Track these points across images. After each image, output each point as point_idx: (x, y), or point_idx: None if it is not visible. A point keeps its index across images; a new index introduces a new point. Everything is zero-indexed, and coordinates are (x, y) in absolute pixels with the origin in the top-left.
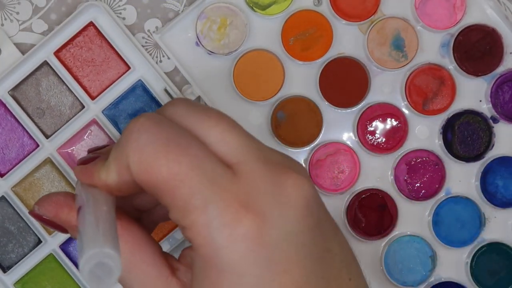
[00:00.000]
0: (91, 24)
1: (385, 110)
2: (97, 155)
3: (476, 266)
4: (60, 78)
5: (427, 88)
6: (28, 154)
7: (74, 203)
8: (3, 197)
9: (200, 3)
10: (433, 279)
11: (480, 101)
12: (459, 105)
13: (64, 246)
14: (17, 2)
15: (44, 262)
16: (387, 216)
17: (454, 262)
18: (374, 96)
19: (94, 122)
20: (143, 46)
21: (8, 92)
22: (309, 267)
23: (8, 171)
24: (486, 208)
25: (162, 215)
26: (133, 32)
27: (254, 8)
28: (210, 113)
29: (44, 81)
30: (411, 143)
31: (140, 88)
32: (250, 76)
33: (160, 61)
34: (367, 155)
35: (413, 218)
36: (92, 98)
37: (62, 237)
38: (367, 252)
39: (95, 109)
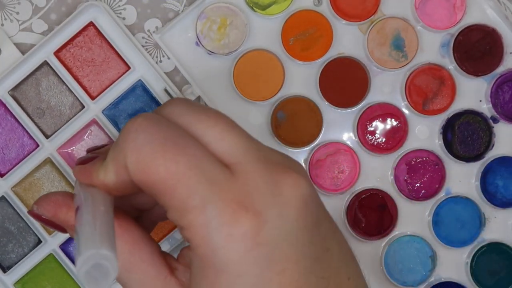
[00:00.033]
0: (91, 24)
1: (385, 110)
2: (96, 155)
3: (476, 266)
4: (60, 78)
5: (427, 88)
6: (28, 154)
7: (73, 203)
8: (3, 197)
9: (200, 3)
10: (433, 279)
11: (480, 101)
12: (459, 105)
13: (64, 246)
14: (17, 2)
15: (44, 262)
16: (387, 216)
17: (454, 262)
18: (374, 96)
19: (94, 122)
20: (143, 46)
21: (8, 92)
22: (308, 266)
23: (8, 171)
24: (486, 208)
25: (161, 214)
26: (133, 32)
27: (254, 8)
28: (208, 112)
29: (44, 81)
30: (411, 143)
31: (140, 88)
32: (250, 76)
33: (160, 61)
34: (367, 155)
35: (413, 218)
36: (92, 98)
37: (62, 237)
38: (367, 252)
39: (95, 109)
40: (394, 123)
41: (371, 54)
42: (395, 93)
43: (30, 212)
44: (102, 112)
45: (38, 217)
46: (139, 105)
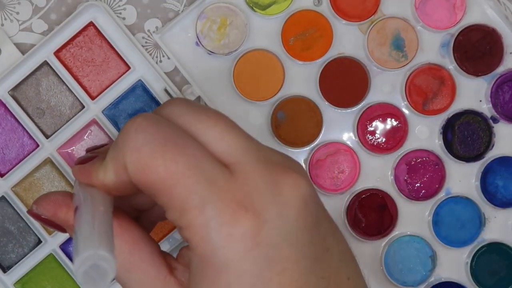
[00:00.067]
0: (91, 24)
1: (385, 110)
2: (95, 154)
3: (476, 266)
4: (60, 78)
5: (427, 88)
6: (28, 154)
7: (72, 202)
8: (3, 197)
9: (200, 3)
10: (433, 279)
11: (480, 101)
12: (459, 105)
13: (64, 246)
14: (17, 2)
15: (44, 262)
16: (387, 216)
17: (454, 262)
18: (374, 96)
19: (94, 122)
20: (143, 46)
21: (8, 92)
22: (308, 266)
23: (8, 171)
24: (486, 208)
25: (160, 214)
26: (133, 32)
27: (254, 8)
28: (208, 112)
29: (44, 81)
30: (411, 143)
31: (140, 88)
32: (250, 76)
33: (160, 61)
34: (367, 155)
35: (413, 218)
36: (92, 98)
37: (62, 237)
38: (367, 252)
39: (95, 109)
40: (394, 123)
41: (371, 54)
42: (395, 93)
43: (30, 211)
44: (102, 112)
45: (37, 217)
46: (139, 105)
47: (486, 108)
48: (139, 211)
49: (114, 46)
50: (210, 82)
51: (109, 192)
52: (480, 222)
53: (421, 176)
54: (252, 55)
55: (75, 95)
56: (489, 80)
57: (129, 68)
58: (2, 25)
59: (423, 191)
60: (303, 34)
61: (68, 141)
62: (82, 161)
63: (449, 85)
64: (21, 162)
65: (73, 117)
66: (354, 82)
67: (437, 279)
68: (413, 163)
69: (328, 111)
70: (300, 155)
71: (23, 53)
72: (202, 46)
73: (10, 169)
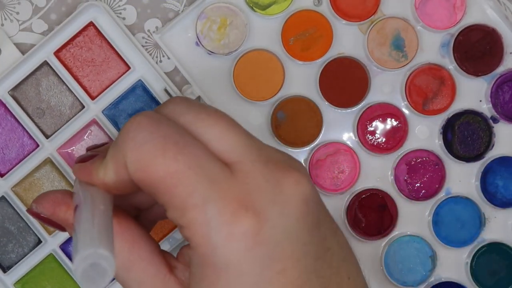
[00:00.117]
0: (91, 24)
1: (385, 110)
2: (96, 153)
3: (476, 266)
4: (60, 78)
5: (427, 88)
6: (28, 154)
7: (72, 201)
8: (3, 197)
9: (200, 3)
10: (433, 279)
11: (480, 101)
12: (459, 105)
13: (64, 246)
14: (17, 2)
15: (44, 262)
16: (387, 216)
17: (454, 262)
18: (374, 96)
19: (94, 122)
20: (143, 46)
21: (8, 92)
22: (309, 266)
23: (8, 171)
24: (486, 208)
25: (160, 213)
26: (133, 32)
27: (254, 8)
28: (209, 111)
29: (44, 81)
30: (411, 143)
31: (140, 88)
32: (250, 76)
33: (160, 61)
34: (367, 155)
35: (413, 218)
36: (92, 98)
37: (62, 237)
38: (367, 252)
39: (95, 109)
40: (394, 123)
41: (371, 54)
42: (395, 93)
43: (29, 210)
44: (102, 112)
45: (37, 216)
46: (139, 105)
47: (486, 108)
48: (138, 210)
49: (114, 46)
50: (210, 82)
51: (109, 190)
52: (480, 222)
53: (421, 176)
54: (252, 55)
55: (75, 95)
56: (489, 80)
57: (129, 68)
58: (2, 25)
59: (423, 191)
60: (303, 34)
61: (68, 141)
62: (83, 159)
63: (449, 85)
64: (21, 162)
65: (73, 117)
66: (354, 82)
67: (437, 279)
68: (413, 163)
69: (328, 111)
70: (300, 155)
71: (23, 53)
72: (202, 46)
73: (10, 169)
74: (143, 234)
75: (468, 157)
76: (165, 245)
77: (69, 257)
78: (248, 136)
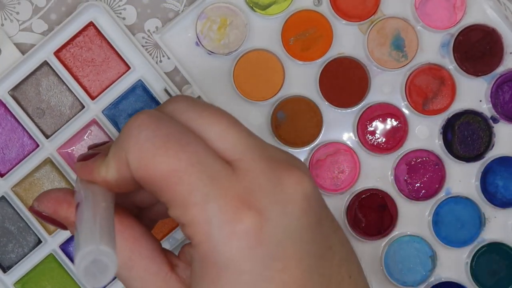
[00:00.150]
0: (91, 24)
1: (385, 110)
2: (97, 151)
3: (476, 266)
4: (60, 78)
5: (427, 88)
6: (28, 154)
7: (74, 199)
8: (3, 197)
9: (200, 3)
10: (433, 279)
11: (480, 101)
12: (459, 105)
13: (64, 246)
14: (17, 2)
15: (44, 262)
16: (387, 216)
17: (454, 262)
18: (374, 96)
19: (94, 122)
20: (143, 46)
21: (8, 92)
22: (311, 264)
23: (8, 171)
24: (486, 208)
25: (161, 212)
26: (133, 32)
27: (254, 8)
28: (211, 110)
29: (44, 81)
30: (411, 143)
31: (140, 88)
32: (250, 76)
33: (160, 61)
34: (367, 155)
35: (413, 218)
36: (92, 98)
37: (62, 237)
38: (367, 252)
39: (95, 109)
40: (394, 123)
41: (371, 54)
42: (395, 93)
43: (31, 208)
44: (102, 112)
45: (38, 214)
46: (139, 105)
47: (486, 108)
48: (140, 208)
49: (114, 46)
50: (210, 82)
51: (110, 189)
52: (480, 222)
53: (421, 176)
54: (252, 55)
55: (75, 95)
56: (489, 80)
57: (129, 68)
58: (2, 25)
59: (423, 191)
60: (303, 34)
61: (68, 141)
62: (84, 158)
63: (449, 85)
64: (21, 162)
65: (73, 117)
66: (354, 82)
67: (437, 279)
68: (413, 163)
69: (328, 111)
70: (300, 155)
71: (23, 53)
72: (202, 46)
73: (10, 169)
74: (145, 232)
75: (468, 157)
76: (165, 245)
77: (69, 257)
78: (249, 134)
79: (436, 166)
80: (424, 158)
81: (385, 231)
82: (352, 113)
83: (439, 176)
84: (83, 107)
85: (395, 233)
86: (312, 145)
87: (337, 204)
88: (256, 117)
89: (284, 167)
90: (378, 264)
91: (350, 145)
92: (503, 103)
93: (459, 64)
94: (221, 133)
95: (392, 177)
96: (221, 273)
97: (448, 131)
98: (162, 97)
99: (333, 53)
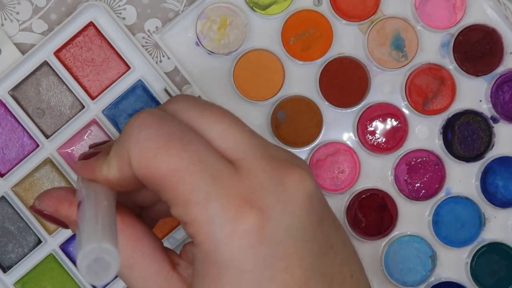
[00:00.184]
0: (91, 24)
1: (385, 110)
2: (98, 150)
3: (476, 266)
4: (60, 78)
5: (427, 88)
6: (28, 154)
7: (75, 198)
8: (3, 197)
9: (200, 3)
10: (433, 279)
11: (480, 101)
12: (459, 105)
13: (64, 246)
14: (17, 2)
15: (44, 262)
16: (387, 216)
17: (454, 262)
18: (374, 96)
19: (94, 122)
20: (143, 46)
21: (8, 92)
22: (312, 263)
23: (8, 171)
24: (486, 208)
25: (162, 211)
26: (133, 32)
27: (254, 8)
28: (212, 109)
29: (44, 81)
30: (411, 143)
31: (140, 88)
32: (250, 76)
33: (160, 61)
34: (367, 155)
35: (413, 218)
36: (92, 98)
37: (62, 237)
38: (367, 252)
39: (95, 109)
40: (394, 123)
41: (371, 54)
42: (395, 93)
43: (32, 207)
44: (102, 112)
45: (39, 213)
46: (139, 105)
47: (486, 108)
48: (141, 207)
49: (114, 46)
50: (210, 82)
51: (112, 187)
52: (480, 222)
53: (421, 176)
54: (252, 55)
55: (75, 95)
56: (489, 80)
57: (129, 68)
58: (2, 25)
59: (423, 191)
60: (303, 34)
61: (68, 141)
62: (85, 156)
63: (449, 85)
64: (21, 162)
65: (73, 117)
66: (354, 82)
67: (437, 279)
68: (413, 163)
69: (328, 111)
70: (300, 155)
71: (23, 53)
72: (202, 46)
73: (10, 169)
74: (146, 231)
75: (468, 157)
76: (165, 245)
77: (69, 257)
78: (251, 133)
79: (436, 166)
80: (424, 158)
81: (385, 231)
82: (352, 113)
83: (439, 176)
84: (83, 107)
85: (395, 233)
86: (312, 145)
87: (337, 204)
88: (256, 117)
89: (286, 166)
90: (378, 264)
91: (350, 145)
92: (503, 103)
93: (459, 64)
94: (223, 132)
95: (392, 177)
96: (223, 272)
97: (448, 131)
98: (162, 97)
99: (333, 53)
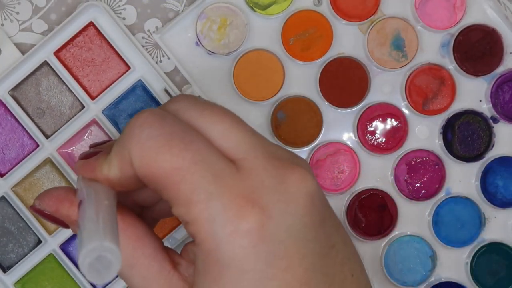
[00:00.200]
0: (91, 24)
1: (385, 110)
2: (99, 149)
3: (476, 266)
4: (60, 78)
5: (427, 88)
6: (28, 154)
7: (75, 197)
8: (3, 197)
9: (200, 3)
10: (433, 279)
11: (480, 101)
12: (459, 105)
13: (64, 246)
14: (17, 2)
15: (44, 262)
16: (387, 216)
17: (454, 262)
18: (374, 96)
19: (94, 122)
20: (143, 46)
21: (8, 92)
22: (314, 263)
23: (8, 171)
24: (486, 208)
25: (163, 211)
26: (133, 32)
27: (254, 8)
28: (214, 108)
29: (44, 81)
30: (411, 143)
31: (140, 88)
32: (250, 76)
33: (160, 61)
34: (367, 155)
35: (413, 218)
36: (92, 98)
37: (62, 237)
38: (367, 252)
39: (95, 109)
40: (394, 123)
41: (371, 54)
42: (395, 93)
43: (32, 207)
44: (102, 112)
45: (40, 212)
46: (139, 105)
47: (486, 108)
48: (141, 207)
49: (114, 46)
50: (210, 82)
51: (113, 187)
52: (480, 222)
53: (421, 176)
54: (252, 55)
55: (75, 95)
56: (489, 80)
57: (129, 68)
58: (2, 25)
59: (423, 191)
60: (303, 34)
61: (68, 141)
62: (86, 156)
63: (449, 85)
64: (21, 162)
65: (73, 117)
66: (354, 82)
67: (437, 279)
68: (413, 163)
69: (328, 111)
70: (300, 155)
71: (23, 53)
72: (202, 46)
73: (10, 169)
74: (147, 231)
75: (468, 157)
76: (165, 245)
77: (69, 257)
78: (253, 133)
79: (436, 166)
80: (424, 158)
81: (385, 231)
82: (352, 113)
83: (439, 176)
84: (83, 107)
85: (395, 233)
86: (312, 145)
87: (337, 204)
88: (256, 117)
89: (288, 165)
90: (378, 264)
91: (350, 145)
92: (503, 103)
93: (459, 64)
94: (224, 132)
95: (392, 177)
96: (224, 271)
97: (448, 131)
98: (162, 97)
99: (333, 53)
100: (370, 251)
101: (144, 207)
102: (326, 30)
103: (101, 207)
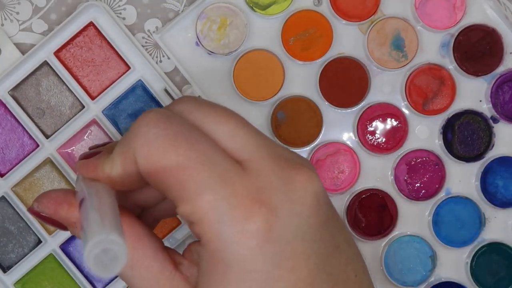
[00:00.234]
0: (91, 24)
1: (385, 110)
2: (100, 150)
3: (476, 266)
4: (60, 78)
5: (427, 88)
6: (28, 154)
7: (74, 199)
8: (3, 197)
9: (200, 3)
10: (433, 279)
11: (480, 101)
12: (459, 105)
13: (64, 246)
14: (17, 2)
15: (44, 262)
16: (387, 216)
17: (454, 262)
18: (374, 96)
19: (94, 122)
20: (143, 46)
21: (8, 92)
22: (319, 263)
23: (8, 171)
24: (486, 208)
25: (163, 212)
26: (133, 32)
27: (254, 8)
28: (219, 110)
29: (44, 81)
30: (411, 143)
31: (140, 88)
32: (250, 76)
33: (160, 61)
34: (367, 155)
35: (413, 218)
36: (92, 98)
37: (62, 237)
38: (367, 252)
39: (95, 109)
40: (394, 123)
41: (371, 54)
42: (395, 93)
43: (30, 209)
44: (102, 112)
45: (38, 215)
46: (139, 105)
47: (486, 108)
48: (141, 208)
49: (114, 46)
50: (210, 82)
51: (114, 186)
52: (480, 222)
53: (421, 176)
54: (252, 55)
55: (75, 95)
56: (489, 80)
57: (129, 68)
58: (2, 25)
59: (423, 191)
60: (303, 34)
61: (68, 141)
62: (86, 156)
63: (449, 85)
64: (21, 162)
65: (73, 117)
66: (354, 82)
67: (437, 279)
68: (413, 163)
69: (328, 111)
70: (300, 155)
71: (23, 53)
72: (202, 46)
73: (10, 169)
74: (147, 231)
75: (468, 157)
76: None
77: (69, 257)
78: (258, 134)
79: (436, 166)
80: (424, 158)
81: (385, 231)
82: (352, 113)
83: (439, 176)
84: (83, 107)
85: (395, 233)
86: (312, 145)
87: (337, 204)
88: (256, 117)
89: (294, 166)
90: (378, 264)
91: (350, 145)
92: (503, 103)
93: (459, 64)
94: (230, 133)
95: (392, 177)
96: (229, 271)
97: (448, 131)
98: (162, 97)
99: (333, 53)
100: (370, 251)
101: (144, 208)
102: (326, 30)
103: (104, 203)
